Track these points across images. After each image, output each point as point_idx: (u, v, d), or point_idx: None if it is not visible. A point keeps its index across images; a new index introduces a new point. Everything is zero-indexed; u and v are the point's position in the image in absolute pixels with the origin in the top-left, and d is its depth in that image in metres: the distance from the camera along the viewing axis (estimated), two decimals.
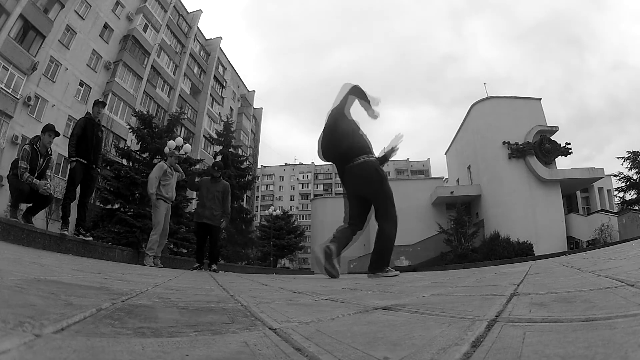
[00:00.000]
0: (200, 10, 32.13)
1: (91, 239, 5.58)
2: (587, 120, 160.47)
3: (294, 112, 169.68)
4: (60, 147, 14.84)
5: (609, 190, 23.69)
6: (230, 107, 37.28)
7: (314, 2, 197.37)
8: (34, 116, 17.87)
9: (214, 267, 6.11)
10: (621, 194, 20.04)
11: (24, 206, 5.03)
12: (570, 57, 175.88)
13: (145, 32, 25.25)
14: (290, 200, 65.99)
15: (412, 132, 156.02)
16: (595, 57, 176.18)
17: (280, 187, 67.65)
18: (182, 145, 8.22)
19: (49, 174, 5.13)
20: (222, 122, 22.36)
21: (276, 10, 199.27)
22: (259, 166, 53.41)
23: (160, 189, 5.75)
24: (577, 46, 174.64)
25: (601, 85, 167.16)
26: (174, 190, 6.01)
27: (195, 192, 10.95)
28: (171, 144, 8.00)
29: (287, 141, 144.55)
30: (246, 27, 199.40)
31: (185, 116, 26.50)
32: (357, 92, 3.67)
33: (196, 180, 6.59)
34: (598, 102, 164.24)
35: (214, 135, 21.94)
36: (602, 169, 21.18)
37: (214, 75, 33.25)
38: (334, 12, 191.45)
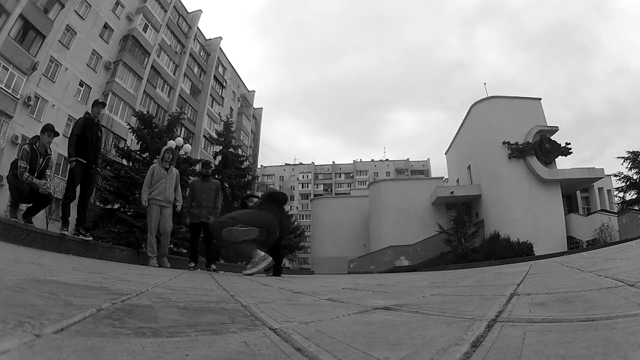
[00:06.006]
0: (200, 10, 32.11)
1: (91, 239, 5.57)
2: (589, 123, 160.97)
3: (298, 113, 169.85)
4: (60, 147, 14.83)
5: (609, 190, 23.66)
6: (230, 107, 37.27)
7: (327, 9, 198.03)
8: (34, 116, 17.86)
9: (213, 266, 6.10)
10: (621, 194, 20.01)
11: (24, 206, 5.03)
12: (574, 64, 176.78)
13: (145, 32, 25.23)
14: (290, 200, 66.00)
15: (418, 134, 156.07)
16: (598, 63, 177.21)
17: (280, 187, 67.64)
18: (182, 145, 8.21)
19: (48, 173, 5.12)
20: (222, 122, 22.34)
21: (289, 16, 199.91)
22: (259, 166, 53.38)
23: (152, 192, 5.61)
24: (581, 53, 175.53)
25: (603, 89, 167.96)
26: (168, 191, 5.67)
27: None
28: (171, 143, 7.99)
29: (290, 142, 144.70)
30: (259, 32, 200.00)
31: (185, 116, 26.48)
32: None
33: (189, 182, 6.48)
34: (600, 106, 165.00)
35: (214, 135, 21.92)
36: (602, 169, 21.16)
37: (214, 75, 33.24)
38: (348, 19, 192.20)
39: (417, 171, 63.17)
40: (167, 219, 5.72)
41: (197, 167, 15.42)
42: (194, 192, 6.08)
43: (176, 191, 5.86)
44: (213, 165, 20.43)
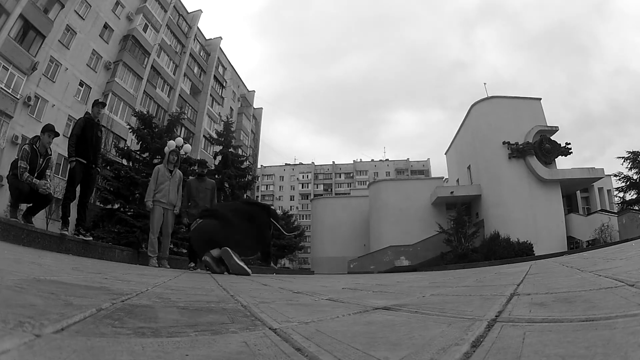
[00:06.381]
0: (200, 10, 32.10)
1: (91, 239, 5.56)
2: (589, 123, 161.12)
3: (298, 113, 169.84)
4: (60, 147, 14.82)
5: (609, 190, 23.66)
6: (230, 107, 37.27)
7: (327, 9, 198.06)
8: (34, 116, 17.86)
9: None
10: (621, 194, 20.01)
11: (24, 206, 5.03)
12: (574, 64, 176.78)
13: (145, 32, 25.23)
14: (290, 200, 65.96)
15: (418, 134, 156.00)
16: (598, 63, 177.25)
17: (280, 187, 67.63)
18: (182, 145, 8.20)
19: (48, 173, 5.12)
20: (222, 122, 22.34)
21: (289, 16, 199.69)
22: (259, 166, 53.37)
23: (155, 195, 5.64)
24: (581, 53, 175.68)
25: (603, 89, 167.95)
26: (171, 194, 5.71)
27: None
28: (171, 144, 7.98)
29: (290, 142, 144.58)
30: (259, 32, 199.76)
31: (185, 116, 26.47)
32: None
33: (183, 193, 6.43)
34: (600, 106, 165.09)
35: (214, 135, 21.93)
36: (602, 169, 21.17)
37: (214, 75, 33.24)
38: (348, 19, 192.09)
39: (417, 171, 63.18)
40: (169, 221, 5.77)
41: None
42: (190, 191, 6.09)
43: (178, 194, 5.87)
44: (213, 165, 20.44)
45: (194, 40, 31.12)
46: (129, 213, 11.32)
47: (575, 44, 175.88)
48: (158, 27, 26.54)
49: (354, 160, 69.49)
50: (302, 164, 69.41)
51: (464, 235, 19.44)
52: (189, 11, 31.34)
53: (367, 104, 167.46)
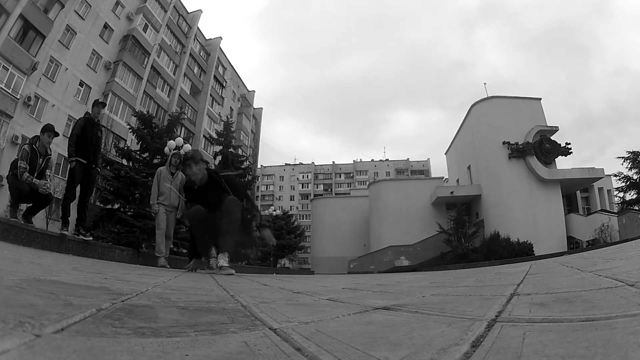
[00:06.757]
0: (200, 10, 32.12)
1: (91, 239, 5.56)
2: (589, 123, 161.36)
3: (298, 113, 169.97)
4: (60, 147, 14.83)
5: (609, 190, 23.66)
6: (230, 107, 37.27)
7: (327, 9, 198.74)
8: (34, 116, 17.86)
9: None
10: (621, 194, 20.01)
11: (24, 206, 5.03)
12: (574, 64, 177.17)
13: (145, 32, 25.24)
14: (290, 200, 65.95)
15: (418, 134, 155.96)
16: (598, 63, 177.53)
17: (280, 187, 67.63)
18: (182, 145, 8.20)
19: (48, 173, 5.13)
20: (222, 122, 22.33)
21: (289, 16, 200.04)
22: (259, 166, 53.37)
23: (157, 197, 5.65)
24: (581, 53, 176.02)
25: (603, 89, 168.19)
26: (172, 197, 5.73)
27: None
28: (171, 144, 8.00)
29: (290, 142, 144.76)
30: (259, 32, 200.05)
31: (185, 116, 26.49)
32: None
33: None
34: (600, 106, 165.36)
35: (214, 135, 21.92)
36: (602, 169, 21.17)
37: (214, 75, 33.25)
38: (348, 19, 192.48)
39: (417, 171, 63.17)
40: (171, 223, 5.76)
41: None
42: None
43: (180, 196, 5.85)
44: (213, 166, 20.42)
45: (194, 40, 31.13)
46: (129, 213, 11.31)
47: (575, 44, 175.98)
48: (158, 27, 26.54)
49: (354, 160, 69.53)
50: (302, 164, 69.40)
51: (464, 235, 19.44)
52: (189, 11, 31.36)
53: (367, 104, 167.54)
